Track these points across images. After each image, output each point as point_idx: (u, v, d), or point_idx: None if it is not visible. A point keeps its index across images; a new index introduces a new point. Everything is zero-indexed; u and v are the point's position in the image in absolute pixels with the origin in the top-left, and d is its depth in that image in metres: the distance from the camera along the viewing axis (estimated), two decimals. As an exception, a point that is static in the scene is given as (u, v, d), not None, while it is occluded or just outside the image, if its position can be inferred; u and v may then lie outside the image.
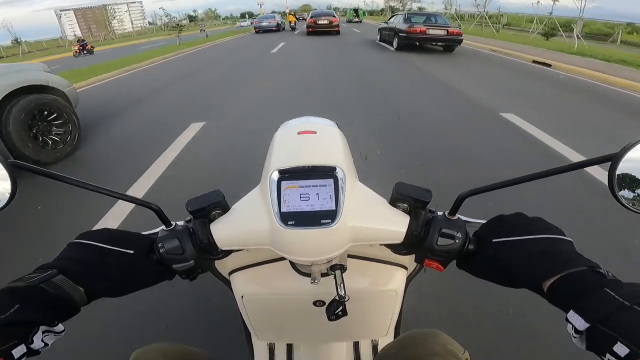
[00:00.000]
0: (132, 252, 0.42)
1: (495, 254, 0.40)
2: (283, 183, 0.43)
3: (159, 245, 0.43)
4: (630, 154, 0.33)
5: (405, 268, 0.64)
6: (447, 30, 9.35)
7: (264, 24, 22.34)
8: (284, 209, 0.41)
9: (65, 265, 0.38)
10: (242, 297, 0.62)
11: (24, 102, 2.85)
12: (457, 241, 0.42)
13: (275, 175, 0.44)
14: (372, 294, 0.64)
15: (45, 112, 3.07)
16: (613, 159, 0.33)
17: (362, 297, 0.63)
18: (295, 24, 23.30)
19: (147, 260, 0.44)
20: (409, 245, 0.45)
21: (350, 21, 33.44)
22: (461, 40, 9.69)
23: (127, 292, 0.43)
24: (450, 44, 9.73)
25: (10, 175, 0.37)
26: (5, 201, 0.39)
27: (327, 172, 0.44)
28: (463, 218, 0.46)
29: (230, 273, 0.63)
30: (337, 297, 0.49)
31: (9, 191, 0.38)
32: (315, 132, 0.55)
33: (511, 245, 0.39)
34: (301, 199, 0.42)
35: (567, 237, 0.39)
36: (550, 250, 0.37)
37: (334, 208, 0.41)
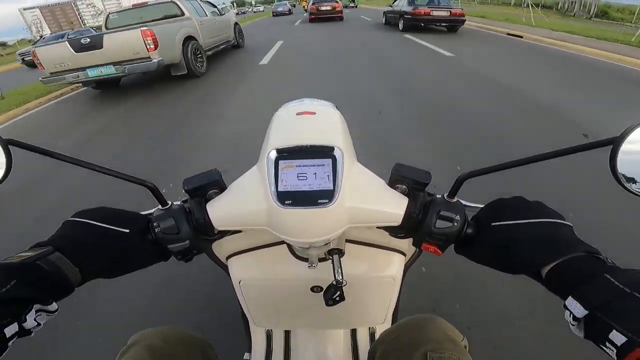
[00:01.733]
0: (127, 231, 0.43)
1: (494, 238, 0.40)
2: (280, 162, 0.43)
3: (155, 224, 0.44)
4: (632, 137, 0.32)
5: (404, 254, 0.65)
6: (450, 11, 9.88)
7: (280, 9, 29.01)
8: (281, 188, 0.41)
9: (61, 244, 0.39)
10: (239, 282, 0.64)
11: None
12: (455, 224, 0.42)
13: (273, 155, 0.44)
14: (369, 279, 0.65)
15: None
16: (614, 143, 0.33)
17: (359, 282, 0.64)
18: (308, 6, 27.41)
19: (143, 239, 0.44)
20: (407, 227, 0.45)
21: (346, 6, 33.19)
22: (464, 21, 10.27)
23: (122, 272, 0.44)
24: (453, 24, 10.23)
25: (5, 152, 0.38)
26: (1, 178, 0.39)
27: (325, 152, 0.43)
28: (462, 202, 0.46)
29: (228, 258, 0.64)
30: (334, 282, 0.50)
31: (4, 167, 0.39)
32: (314, 113, 0.54)
33: (510, 229, 0.39)
34: (299, 178, 0.42)
35: (567, 222, 0.39)
36: (549, 235, 0.37)
37: (331, 188, 0.41)
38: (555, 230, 0.38)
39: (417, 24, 10.25)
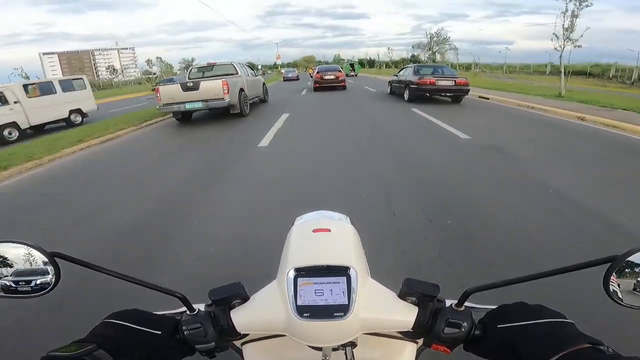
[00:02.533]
0: (159, 333, 0.47)
1: (501, 338, 0.42)
2: (299, 280, 0.47)
3: (184, 328, 0.48)
4: (632, 258, 0.36)
5: (416, 342, 0.65)
6: (455, 80, 9.87)
7: (289, 75, 32.90)
8: (299, 303, 0.45)
9: (102, 342, 0.42)
10: None
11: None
12: (463, 330, 0.45)
13: (292, 273, 0.47)
14: None
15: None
16: (614, 262, 0.36)
17: None
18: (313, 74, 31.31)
19: (172, 339, 0.48)
20: (417, 332, 0.47)
21: (347, 75, 36.40)
22: (468, 91, 10.10)
23: None
24: (457, 94, 10.10)
25: (52, 265, 0.43)
26: (50, 287, 0.45)
27: (340, 271, 0.47)
28: (468, 305, 0.48)
29: (243, 344, 0.64)
30: None
31: (54, 278, 0.45)
32: (329, 230, 0.58)
33: (516, 329, 0.42)
34: (316, 294, 0.45)
35: (569, 320, 0.41)
36: (553, 331, 0.40)
37: (346, 303, 0.44)
38: (560, 327, 0.40)
39: (422, 94, 10.14)
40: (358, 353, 0.52)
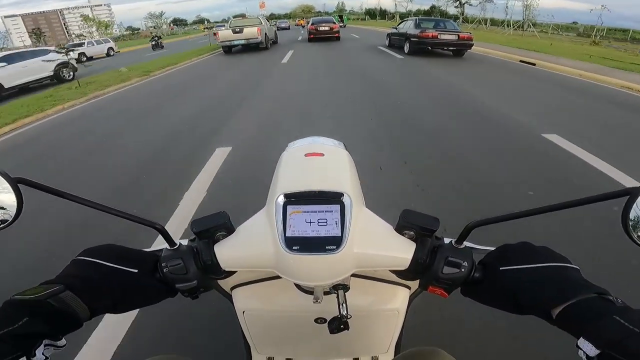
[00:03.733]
0: (136, 271, 0.42)
1: (502, 282, 0.40)
2: (289, 207, 0.43)
3: (163, 264, 0.43)
4: None
5: (409, 288, 0.63)
6: (458, 35, 9.67)
7: (282, 25, 35.24)
8: (289, 234, 0.41)
9: (71, 282, 0.38)
10: (243, 312, 0.62)
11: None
12: (463, 270, 0.42)
13: (281, 200, 0.44)
14: (374, 312, 0.63)
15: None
16: (631, 194, 0.32)
17: (364, 314, 0.62)
18: (304, 25, 33.13)
19: (151, 278, 0.43)
20: (413, 271, 0.44)
21: None
22: (472, 45, 9.93)
23: (129, 308, 0.43)
24: (460, 48, 9.95)
25: (15, 192, 0.37)
26: (12, 217, 0.39)
27: (333, 198, 0.43)
28: (469, 245, 0.45)
29: (232, 288, 0.62)
30: (339, 316, 0.48)
31: (15, 207, 0.38)
32: (322, 155, 0.55)
33: (518, 272, 0.39)
34: (307, 224, 0.42)
35: (574, 265, 0.39)
36: (557, 277, 0.38)
37: (339, 235, 0.41)
38: (564, 273, 0.38)
39: (423, 47, 9.92)
40: (349, 298, 0.49)
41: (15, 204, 0.38)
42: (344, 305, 0.47)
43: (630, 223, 0.34)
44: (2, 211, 0.39)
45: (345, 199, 0.43)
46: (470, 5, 40.28)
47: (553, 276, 0.38)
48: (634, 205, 0.32)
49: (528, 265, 0.39)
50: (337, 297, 0.47)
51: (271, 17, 65.14)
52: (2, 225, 0.39)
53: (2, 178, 0.36)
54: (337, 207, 0.43)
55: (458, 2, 41.42)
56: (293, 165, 0.54)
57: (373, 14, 34.94)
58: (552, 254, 0.41)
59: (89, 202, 0.39)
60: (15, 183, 0.36)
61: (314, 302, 0.48)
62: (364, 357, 0.78)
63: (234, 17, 16.32)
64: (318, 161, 0.53)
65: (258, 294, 0.61)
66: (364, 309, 0.62)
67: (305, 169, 0.52)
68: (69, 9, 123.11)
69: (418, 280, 0.46)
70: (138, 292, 0.43)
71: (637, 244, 0.35)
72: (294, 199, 0.44)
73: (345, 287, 0.48)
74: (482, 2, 34.63)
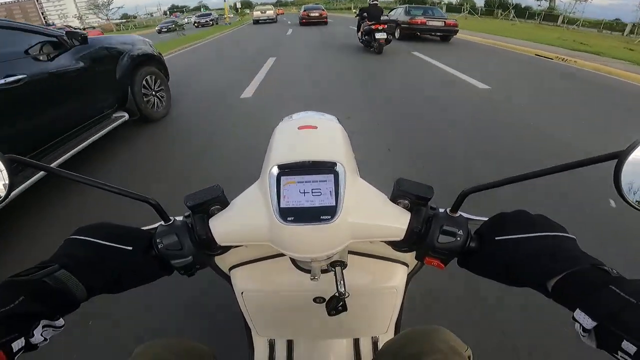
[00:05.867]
0: (130, 248, 0.42)
1: (497, 252, 0.40)
2: (282, 178, 0.43)
3: (157, 241, 0.43)
4: (638, 152, 0.32)
5: (407, 265, 0.64)
6: (444, 21, 10.55)
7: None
8: (283, 205, 0.41)
9: (66, 262, 0.38)
10: (241, 293, 0.63)
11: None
12: (458, 239, 0.42)
13: (275, 171, 0.44)
14: (372, 290, 0.64)
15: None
16: (619, 157, 0.32)
17: (362, 293, 0.63)
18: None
19: (146, 256, 0.43)
20: (409, 242, 0.45)
21: None
22: (457, 31, 10.87)
23: (126, 288, 0.43)
24: (446, 34, 10.93)
25: (7, 169, 0.36)
26: (3, 196, 0.38)
27: (327, 168, 0.43)
28: (465, 215, 0.45)
29: (230, 269, 0.63)
30: (337, 294, 0.49)
31: (7, 185, 0.37)
32: (316, 127, 0.55)
33: (514, 243, 0.39)
34: (301, 194, 0.42)
35: (570, 235, 0.39)
36: (553, 248, 0.37)
37: (333, 204, 0.41)
38: (560, 243, 0.38)
39: (413, 33, 10.73)
40: (347, 277, 0.50)
41: (7, 181, 0.37)
42: (342, 282, 0.48)
43: (623, 186, 0.33)
44: None
45: (339, 168, 0.43)
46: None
47: (548, 247, 0.38)
48: (623, 168, 0.32)
49: (523, 235, 0.39)
50: (335, 274, 0.49)
51: (262, 4, 66.39)
52: None
53: None
54: (331, 176, 0.43)
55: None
56: (287, 137, 0.54)
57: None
58: (549, 222, 0.41)
59: (80, 178, 0.39)
60: (7, 161, 0.36)
61: (311, 279, 0.48)
62: (364, 338, 0.80)
63: (262, 4, 27.38)
64: (311, 133, 0.53)
65: (256, 274, 0.62)
66: (362, 288, 0.62)
67: (299, 141, 0.51)
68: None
69: (414, 254, 0.47)
70: (134, 270, 0.43)
71: (628, 202, 0.35)
72: (288, 169, 0.44)
73: (342, 264, 0.49)
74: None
